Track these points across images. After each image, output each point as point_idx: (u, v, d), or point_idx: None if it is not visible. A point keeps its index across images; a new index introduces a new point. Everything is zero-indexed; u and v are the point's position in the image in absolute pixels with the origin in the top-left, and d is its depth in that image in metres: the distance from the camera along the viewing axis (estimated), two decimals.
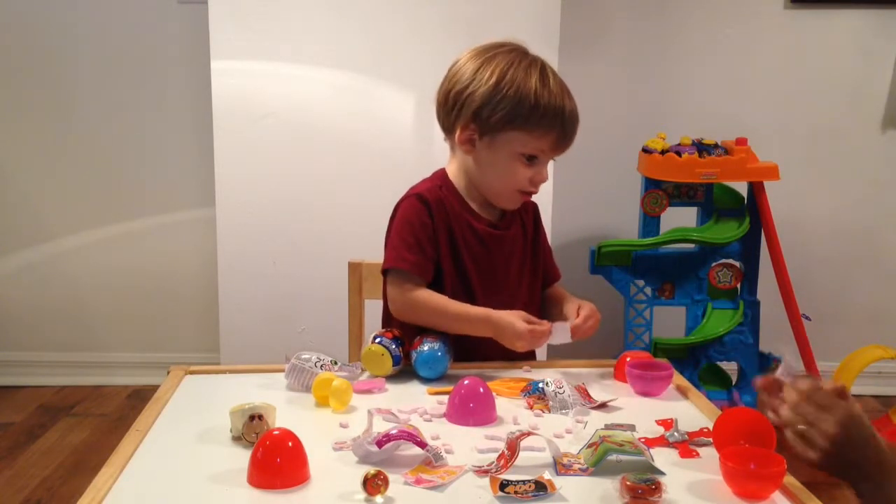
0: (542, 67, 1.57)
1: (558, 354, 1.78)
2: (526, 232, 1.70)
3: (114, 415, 3.10)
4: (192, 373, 1.55)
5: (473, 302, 1.60)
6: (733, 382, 2.96)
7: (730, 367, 2.98)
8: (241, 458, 1.15)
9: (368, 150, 2.68)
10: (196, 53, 2.92)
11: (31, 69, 3.20)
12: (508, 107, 1.53)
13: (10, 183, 3.28)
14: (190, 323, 3.32)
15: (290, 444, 1.13)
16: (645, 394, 1.46)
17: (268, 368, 1.55)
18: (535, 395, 1.42)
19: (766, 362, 2.89)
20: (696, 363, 2.84)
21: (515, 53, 1.58)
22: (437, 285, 1.61)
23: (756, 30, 3.19)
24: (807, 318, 2.84)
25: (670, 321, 2.98)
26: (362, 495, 1.08)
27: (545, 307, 1.73)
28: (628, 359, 1.51)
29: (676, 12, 3.18)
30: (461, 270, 1.63)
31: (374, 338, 1.53)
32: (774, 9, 3.17)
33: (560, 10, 2.62)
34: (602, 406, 1.40)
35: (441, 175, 1.68)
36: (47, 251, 3.31)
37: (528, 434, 1.18)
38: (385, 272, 1.65)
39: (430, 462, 1.17)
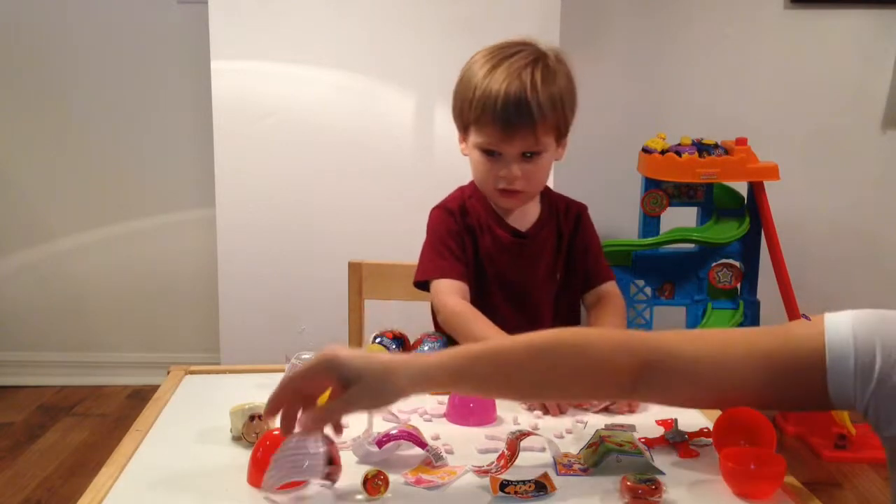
0: (507, 57, 1.49)
1: None
2: (561, 237, 1.63)
3: (114, 415, 3.10)
4: (192, 373, 1.54)
5: (493, 312, 1.53)
6: None
7: None
8: (241, 458, 1.15)
9: (368, 150, 2.68)
10: (196, 53, 2.92)
11: (30, 69, 3.20)
12: (459, 103, 1.54)
13: (10, 183, 3.28)
14: (190, 323, 3.32)
15: None
16: None
17: (268, 368, 1.54)
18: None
19: None
20: None
21: (496, 50, 1.53)
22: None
23: (756, 30, 3.19)
24: (807, 318, 2.84)
25: (670, 321, 2.98)
26: (362, 495, 1.07)
27: (593, 316, 1.63)
28: None
29: (676, 12, 3.18)
30: (481, 279, 1.61)
31: (375, 337, 1.53)
32: (774, 9, 3.17)
33: (560, 10, 2.62)
34: (605, 409, 1.39)
35: (472, 183, 1.66)
36: (47, 251, 3.31)
37: (528, 434, 1.18)
38: (419, 285, 1.62)
39: (431, 462, 1.17)
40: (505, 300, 1.60)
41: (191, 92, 3.12)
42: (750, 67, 3.20)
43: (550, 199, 1.65)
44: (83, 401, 3.22)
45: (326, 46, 2.63)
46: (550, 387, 1.11)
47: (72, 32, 3.16)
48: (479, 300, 1.58)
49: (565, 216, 1.65)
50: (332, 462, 1.06)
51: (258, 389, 1.45)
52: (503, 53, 1.52)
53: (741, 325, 2.81)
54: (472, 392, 1.23)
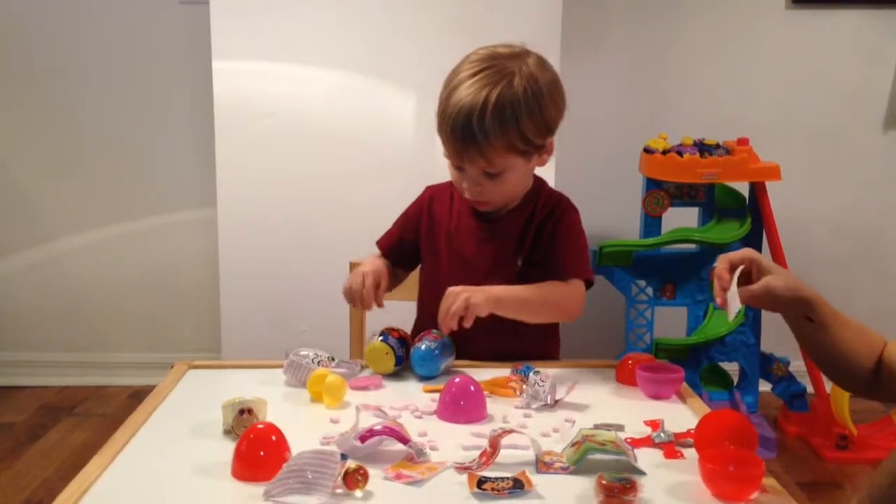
0: (472, 75, 1.53)
1: (564, 355, 1.77)
2: (530, 224, 1.66)
3: (115, 415, 3.10)
4: (195, 367, 1.57)
5: (437, 287, 1.60)
6: (735, 383, 2.95)
7: (731, 368, 2.98)
8: (230, 451, 1.17)
9: (369, 149, 2.68)
10: (197, 53, 2.92)
11: (31, 69, 3.20)
12: (436, 113, 1.58)
13: (10, 183, 3.28)
14: (191, 323, 3.32)
15: (273, 437, 1.16)
16: (656, 397, 1.45)
17: (269, 364, 1.57)
18: (520, 375, 1.44)
19: (768, 362, 2.89)
20: (698, 364, 2.84)
21: (472, 57, 1.57)
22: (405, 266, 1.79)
23: (757, 30, 3.19)
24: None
25: (671, 321, 2.98)
26: (342, 489, 1.09)
27: None
28: (629, 362, 1.51)
29: (678, 12, 3.18)
30: (443, 258, 1.70)
31: (381, 335, 1.54)
32: (775, 9, 3.17)
33: (561, 10, 2.62)
34: (556, 403, 1.40)
35: None
36: (48, 251, 3.31)
37: (510, 432, 1.20)
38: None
39: (413, 458, 1.18)
40: (464, 280, 1.62)
41: (192, 92, 3.13)
42: (751, 67, 3.20)
43: (535, 190, 1.69)
44: (84, 401, 3.22)
45: (327, 46, 2.63)
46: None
47: (73, 32, 3.16)
48: (440, 279, 1.64)
49: (543, 206, 1.67)
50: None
51: (257, 385, 1.47)
52: (475, 69, 1.54)
53: (742, 325, 2.81)
54: None
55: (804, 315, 1.35)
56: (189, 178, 3.22)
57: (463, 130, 1.51)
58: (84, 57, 3.18)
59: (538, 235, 1.66)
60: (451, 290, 1.53)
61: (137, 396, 3.20)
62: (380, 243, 1.80)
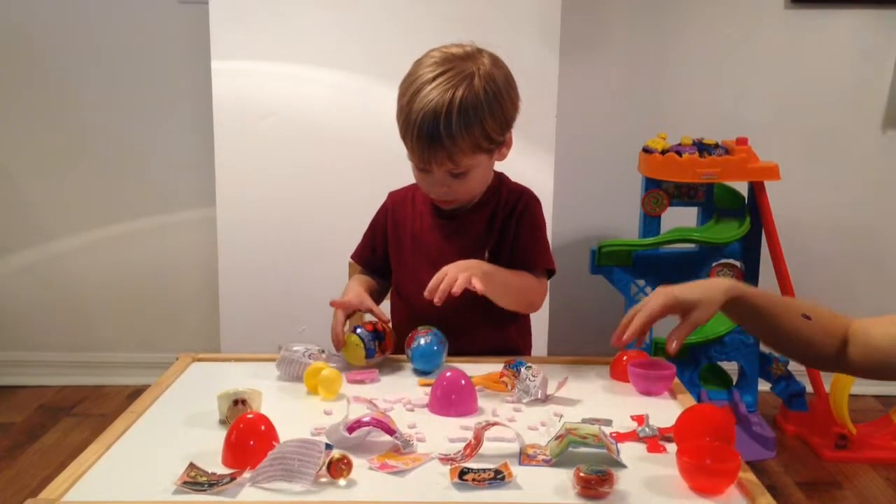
0: (433, 79, 1.54)
1: (556, 351, 1.79)
2: (494, 219, 1.69)
3: (114, 415, 3.05)
4: (199, 360, 1.60)
5: (405, 291, 1.66)
6: (734, 382, 2.96)
7: (730, 367, 2.98)
8: (223, 440, 1.19)
9: (368, 149, 2.68)
10: (196, 53, 2.92)
11: (31, 69, 3.20)
12: (397, 118, 1.59)
13: (10, 183, 3.28)
14: (191, 323, 3.32)
15: (262, 427, 1.18)
16: (647, 393, 1.47)
17: (271, 358, 1.59)
18: (512, 370, 1.45)
19: (767, 362, 2.90)
20: (697, 363, 2.84)
21: (427, 61, 1.58)
22: (384, 274, 1.80)
23: (756, 30, 3.19)
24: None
25: (671, 321, 2.97)
26: (326, 478, 1.10)
27: None
28: (624, 358, 1.53)
29: (677, 12, 3.18)
30: (412, 258, 1.72)
31: (355, 328, 1.57)
32: (774, 9, 3.17)
33: (560, 10, 2.62)
34: (547, 398, 1.41)
35: None
36: (47, 251, 3.31)
37: (494, 424, 1.22)
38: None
39: (399, 449, 1.20)
40: (418, 276, 1.66)
41: (191, 92, 3.12)
42: (750, 67, 3.20)
43: (496, 185, 1.71)
44: (83, 401, 3.22)
45: (326, 46, 2.64)
46: (797, 336, 1.41)
47: (72, 32, 3.16)
48: (409, 281, 1.68)
49: (505, 201, 1.70)
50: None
51: (257, 378, 1.49)
52: (434, 72, 1.55)
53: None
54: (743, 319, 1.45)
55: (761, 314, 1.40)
56: (188, 178, 3.22)
57: (430, 134, 1.53)
58: (84, 57, 3.18)
59: (503, 229, 1.70)
60: (445, 268, 1.55)
61: (136, 396, 3.19)
62: (354, 256, 1.84)
